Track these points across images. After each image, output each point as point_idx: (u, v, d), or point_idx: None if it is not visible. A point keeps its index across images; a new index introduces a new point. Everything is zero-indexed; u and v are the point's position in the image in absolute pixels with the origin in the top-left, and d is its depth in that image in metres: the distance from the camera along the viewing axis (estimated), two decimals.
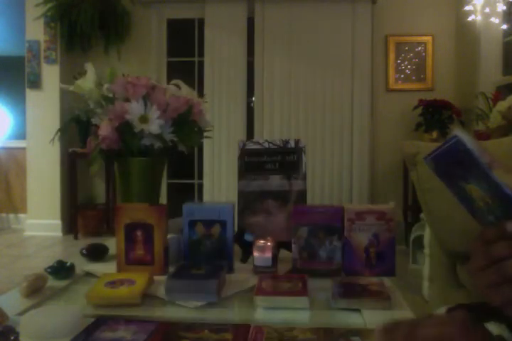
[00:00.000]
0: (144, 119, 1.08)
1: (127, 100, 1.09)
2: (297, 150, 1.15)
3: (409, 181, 3.77)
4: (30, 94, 4.22)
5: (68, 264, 0.98)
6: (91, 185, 4.42)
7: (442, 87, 4.06)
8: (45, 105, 4.19)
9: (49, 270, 0.96)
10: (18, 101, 4.57)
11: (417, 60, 4.09)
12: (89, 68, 1.19)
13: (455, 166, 0.49)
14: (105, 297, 0.81)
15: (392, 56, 4.09)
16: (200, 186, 4.17)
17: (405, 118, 4.01)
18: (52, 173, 4.21)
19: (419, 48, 4.08)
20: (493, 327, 0.78)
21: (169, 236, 1.02)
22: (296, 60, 3.99)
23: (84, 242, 3.12)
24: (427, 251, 2.07)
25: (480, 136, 2.90)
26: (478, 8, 3.46)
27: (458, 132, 0.48)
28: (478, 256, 0.51)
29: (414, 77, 4.09)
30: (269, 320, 0.76)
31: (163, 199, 4.10)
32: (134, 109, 1.08)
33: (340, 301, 0.80)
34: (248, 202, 1.14)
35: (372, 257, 0.97)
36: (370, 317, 0.76)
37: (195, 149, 4.02)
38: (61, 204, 4.23)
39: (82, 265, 1.04)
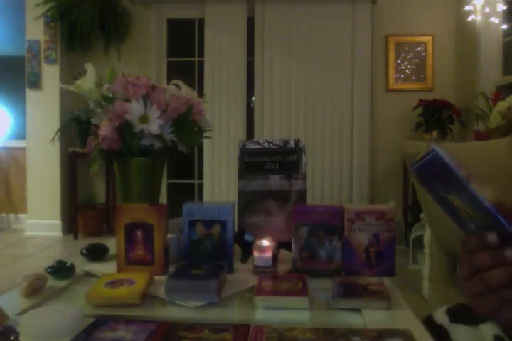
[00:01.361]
0: (144, 119, 1.08)
1: (127, 100, 1.09)
2: (297, 150, 1.15)
3: (409, 181, 3.77)
4: (30, 94, 4.22)
5: (68, 264, 0.98)
6: (91, 185, 4.42)
7: (442, 87, 4.06)
8: (45, 105, 4.19)
9: (49, 270, 0.96)
10: (18, 101, 4.58)
11: (417, 60, 4.09)
12: (89, 68, 1.19)
13: (436, 178, 0.51)
14: (105, 297, 0.81)
15: (392, 56, 4.09)
16: (200, 186, 4.17)
17: (405, 118, 4.02)
18: (52, 173, 4.22)
19: (419, 48, 4.08)
20: (491, 327, 0.78)
21: (169, 236, 1.02)
22: (296, 60, 3.99)
23: (84, 242, 3.12)
24: (427, 251, 2.07)
25: (480, 136, 2.90)
26: (478, 8, 3.46)
27: (435, 146, 0.49)
28: (463, 264, 0.51)
29: (414, 77, 4.10)
30: (269, 320, 0.76)
31: (163, 199, 4.10)
32: (134, 109, 1.08)
33: (340, 301, 0.80)
34: (248, 202, 1.14)
35: (372, 257, 0.97)
36: (370, 317, 0.76)
37: (195, 149, 4.02)
38: (61, 204, 4.24)
39: (82, 265, 1.04)
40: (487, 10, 3.37)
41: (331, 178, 3.99)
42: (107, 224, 4.24)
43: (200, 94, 1.28)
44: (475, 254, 0.50)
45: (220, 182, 4.05)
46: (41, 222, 4.23)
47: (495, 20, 3.34)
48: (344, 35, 3.96)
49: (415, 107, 3.84)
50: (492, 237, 0.49)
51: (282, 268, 1.01)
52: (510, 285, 0.49)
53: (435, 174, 0.51)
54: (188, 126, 1.17)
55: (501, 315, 0.50)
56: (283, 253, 1.05)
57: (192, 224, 1.01)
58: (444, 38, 4.07)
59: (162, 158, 1.18)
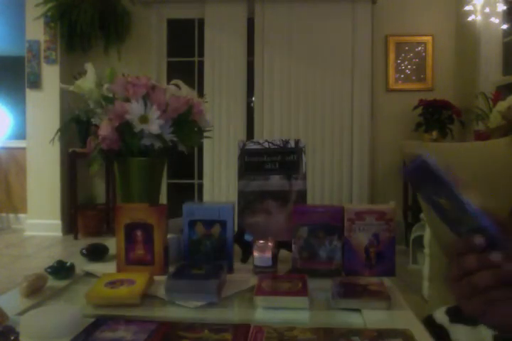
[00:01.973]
0: (143, 119, 1.08)
1: (127, 100, 1.09)
2: (297, 150, 1.15)
3: (409, 181, 3.77)
4: (30, 94, 4.22)
5: (68, 264, 0.98)
6: (91, 185, 4.42)
7: (442, 87, 4.06)
8: (45, 105, 4.19)
9: (49, 270, 0.96)
10: (18, 101, 4.58)
11: (417, 60, 4.09)
12: (89, 68, 1.19)
13: (425, 183, 0.53)
14: (105, 297, 0.81)
15: (392, 56, 4.09)
16: (200, 186, 4.17)
17: (405, 118, 4.02)
18: (52, 173, 4.22)
19: (419, 48, 4.08)
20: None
21: (169, 236, 1.02)
22: (296, 60, 3.99)
23: (84, 242, 3.12)
24: (427, 251, 2.07)
25: (480, 136, 2.90)
26: (478, 8, 3.46)
27: (421, 152, 0.51)
28: (453, 266, 0.52)
29: (414, 77, 4.10)
30: (269, 320, 0.76)
31: (163, 199, 4.10)
32: (134, 109, 1.08)
33: (340, 301, 0.80)
34: (248, 202, 1.14)
35: (372, 257, 0.97)
36: (370, 317, 0.76)
37: (195, 149, 4.02)
38: (61, 204, 4.24)
39: (82, 265, 1.04)
40: (487, 10, 3.37)
41: (331, 178, 3.99)
42: (107, 224, 4.24)
43: (200, 94, 1.28)
44: (463, 257, 0.52)
45: (220, 182, 4.05)
46: (41, 222, 4.23)
47: (495, 20, 3.34)
48: (344, 35, 3.96)
49: (415, 107, 3.83)
50: (479, 240, 0.51)
51: (282, 268, 1.01)
52: (495, 287, 0.50)
53: (424, 179, 0.52)
54: (188, 126, 1.17)
55: (488, 317, 0.51)
56: (283, 253, 1.05)
57: (192, 224, 1.01)
58: (444, 38, 4.07)
59: (162, 158, 1.18)
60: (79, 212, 4.11)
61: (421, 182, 0.54)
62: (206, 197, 4.04)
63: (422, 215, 2.64)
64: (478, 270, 0.50)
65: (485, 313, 0.51)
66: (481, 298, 0.50)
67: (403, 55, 4.09)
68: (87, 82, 1.17)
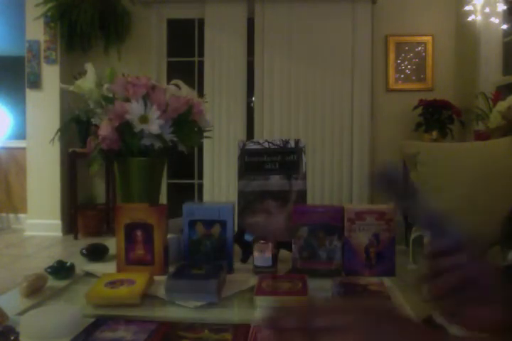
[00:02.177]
0: (143, 119, 1.08)
1: (127, 100, 1.09)
2: (297, 150, 1.15)
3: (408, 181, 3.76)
4: (30, 94, 4.22)
5: (68, 264, 0.98)
6: (91, 185, 4.41)
7: (442, 87, 4.06)
8: (45, 105, 4.19)
9: (49, 270, 0.96)
10: (18, 101, 4.57)
11: (417, 60, 4.08)
12: (89, 68, 1.19)
13: (394, 190, 0.57)
14: (105, 297, 0.81)
15: (392, 56, 4.09)
16: (200, 186, 4.17)
17: (405, 118, 4.01)
18: (52, 173, 4.21)
19: (419, 48, 4.08)
20: None
21: (169, 236, 1.02)
22: (296, 60, 3.99)
23: (84, 242, 3.12)
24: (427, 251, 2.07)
25: (480, 136, 2.90)
26: (478, 8, 3.46)
27: (384, 164, 0.54)
28: (424, 268, 0.54)
29: (414, 77, 4.09)
30: None
31: (163, 199, 4.10)
32: (134, 109, 1.08)
33: None
34: (248, 202, 1.14)
35: (372, 257, 0.97)
36: None
37: (195, 149, 4.02)
38: (61, 204, 4.23)
39: (82, 265, 1.04)
40: (487, 10, 3.37)
41: (331, 178, 3.99)
42: (107, 224, 4.24)
43: (200, 94, 1.28)
44: (433, 259, 0.53)
45: (220, 182, 4.05)
46: (41, 221, 4.23)
47: (495, 20, 3.34)
48: (344, 35, 3.96)
49: (415, 107, 3.83)
50: (443, 244, 0.53)
51: (282, 268, 1.01)
52: (463, 288, 0.51)
53: (391, 188, 0.57)
54: (188, 126, 1.17)
55: (459, 317, 0.52)
56: (283, 253, 1.05)
57: (192, 224, 1.01)
58: (444, 38, 4.07)
59: (162, 158, 1.18)
60: (79, 212, 4.11)
61: (391, 190, 0.57)
62: (206, 197, 4.04)
63: None
64: (447, 271, 0.52)
65: (456, 313, 0.52)
66: (452, 298, 0.52)
67: (403, 55, 4.09)
68: (87, 82, 1.17)
